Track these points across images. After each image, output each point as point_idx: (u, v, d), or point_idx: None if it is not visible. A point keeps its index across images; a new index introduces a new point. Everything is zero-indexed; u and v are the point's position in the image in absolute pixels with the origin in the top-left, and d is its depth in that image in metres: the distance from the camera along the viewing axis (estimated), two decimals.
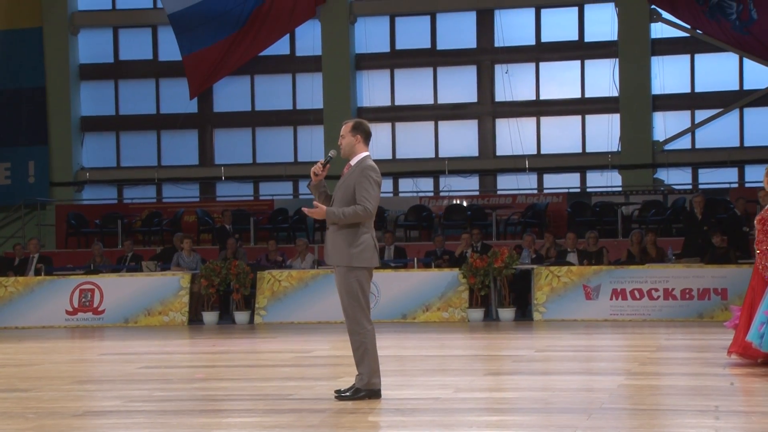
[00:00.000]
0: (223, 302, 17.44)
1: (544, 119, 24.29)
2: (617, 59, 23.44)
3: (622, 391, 8.18)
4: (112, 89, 25.71)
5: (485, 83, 24.41)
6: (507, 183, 24.09)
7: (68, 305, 17.13)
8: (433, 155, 24.61)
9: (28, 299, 17.23)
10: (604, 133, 23.65)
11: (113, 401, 7.99)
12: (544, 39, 24.17)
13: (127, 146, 25.75)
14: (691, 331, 13.77)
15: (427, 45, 24.63)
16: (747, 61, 23.24)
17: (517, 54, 24.14)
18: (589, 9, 23.97)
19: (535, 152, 24.14)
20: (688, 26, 23.25)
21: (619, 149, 23.52)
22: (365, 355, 7.51)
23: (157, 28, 25.39)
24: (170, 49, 24.74)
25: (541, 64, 24.24)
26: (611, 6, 23.57)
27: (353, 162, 7.59)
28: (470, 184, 24.39)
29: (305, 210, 7.61)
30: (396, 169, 24.27)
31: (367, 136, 7.65)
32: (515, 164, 23.96)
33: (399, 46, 24.76)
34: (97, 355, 12.81)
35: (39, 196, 24.46)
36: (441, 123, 24.72)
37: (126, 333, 15.64)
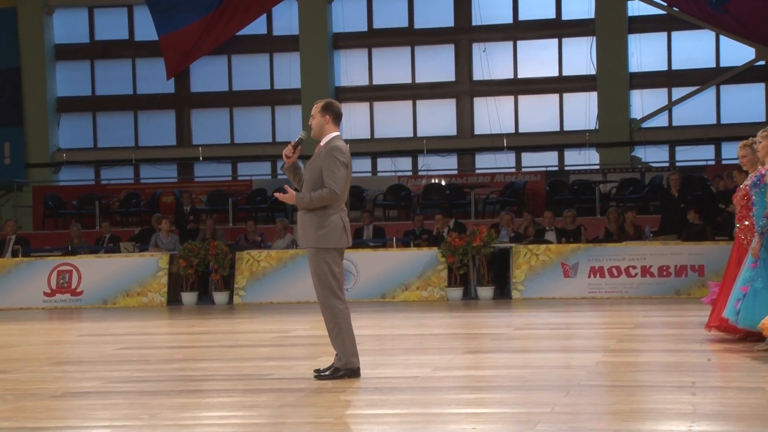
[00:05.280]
0: (201, 283, 17.41)
1: (521, 98, 24.30)
2: (594, 37, 23.46)
3: (600, 368, 8.22)
4: (88, 69, 25.52)
5: (463, 62, 24.38)
6: (485, 162, 24.11)
7: (46, 287, 17.05)
8: (411, 134, 24.58)
9: (5, 281, 17.13)
10: (582, 111, 23.69)
11: (92, 382, 7.98)
12: (521, 17, 24.16)
13: (104, 127, 25.59)
14: (668, 308, 13.85)
15: (405, 24, 24.56)
16: (723, 39, 23.30)
17: (494, 33, 24.12)
18: None
19: (513, 131, 24.17)
20: (665, 4, 23.27)
21: (597, 127, 23.57)
22: (339, 335, 7.54)
23: (132, 7, 25.19)
24: (146, 29, 24.56)
25: (519, 43, 24.24)
26: None
27: (323, 142, 7.63)
28: (449, 164, 24.39)
29: (276, 195, 7.68)
30: (374, 148, 24.23)
31: (336, 117, 7.66)
32: (493, 143, 23.98)
33: (376, 25, 24.68)
34: (75, 336, 12.76)
35: (15, 177, 24.29)
36: (419, 102, 24.68)
37: (104, 314, 15.59)
